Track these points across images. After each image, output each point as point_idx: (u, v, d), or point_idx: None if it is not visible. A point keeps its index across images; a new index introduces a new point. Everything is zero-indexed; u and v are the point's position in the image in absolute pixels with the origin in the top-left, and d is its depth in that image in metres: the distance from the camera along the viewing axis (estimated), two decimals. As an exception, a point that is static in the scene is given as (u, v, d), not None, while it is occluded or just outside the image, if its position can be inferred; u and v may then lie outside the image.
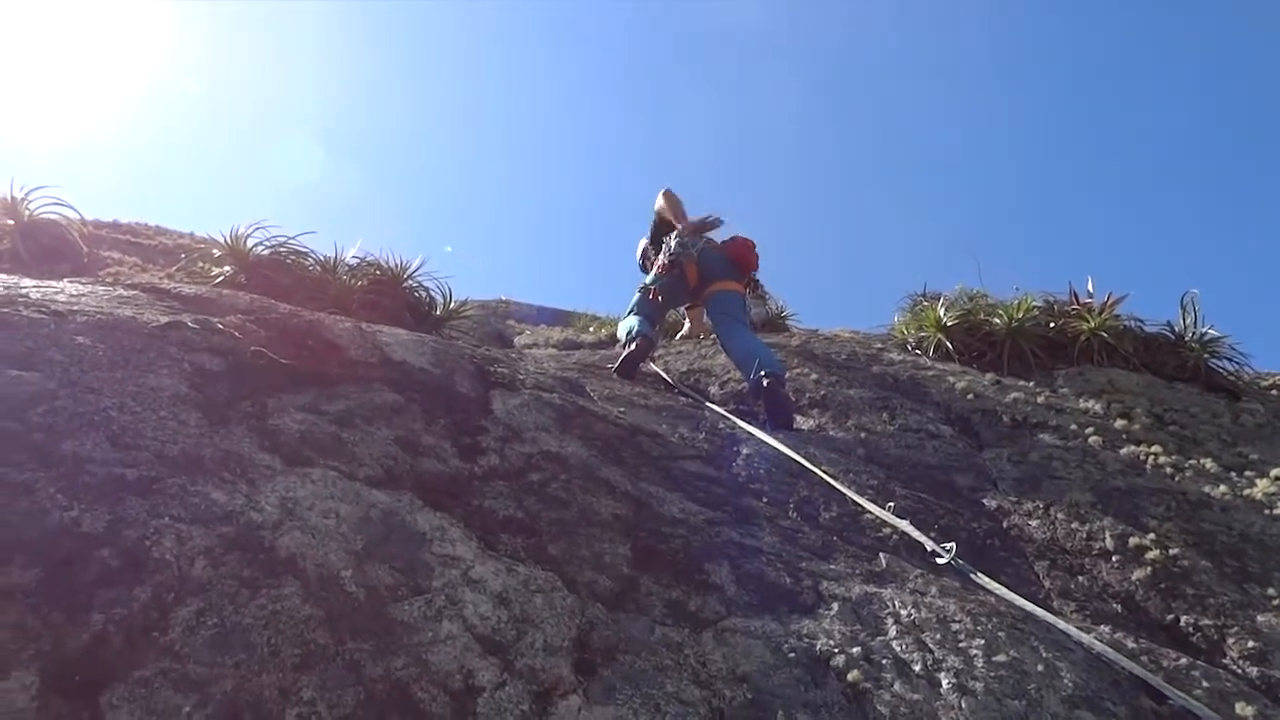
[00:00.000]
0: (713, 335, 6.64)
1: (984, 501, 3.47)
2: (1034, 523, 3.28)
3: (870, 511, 2.96)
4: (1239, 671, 2.46)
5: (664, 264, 5.27)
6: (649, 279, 5.35)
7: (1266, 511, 3.52)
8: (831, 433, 4.12)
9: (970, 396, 4.67)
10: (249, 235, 5.72)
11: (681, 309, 6.41)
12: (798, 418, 4.30)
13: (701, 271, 5.25)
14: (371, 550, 1.79)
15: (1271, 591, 2.93)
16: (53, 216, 5.39)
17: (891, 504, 3.04)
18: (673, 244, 5.29)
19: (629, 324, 4.95)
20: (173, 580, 1.49)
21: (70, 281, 3.10)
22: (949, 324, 5.61)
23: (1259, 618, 2.70)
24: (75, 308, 2.44)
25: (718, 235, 5.51)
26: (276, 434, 2.12)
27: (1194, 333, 5.46)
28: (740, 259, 5.38)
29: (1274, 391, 5.25)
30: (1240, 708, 2.17)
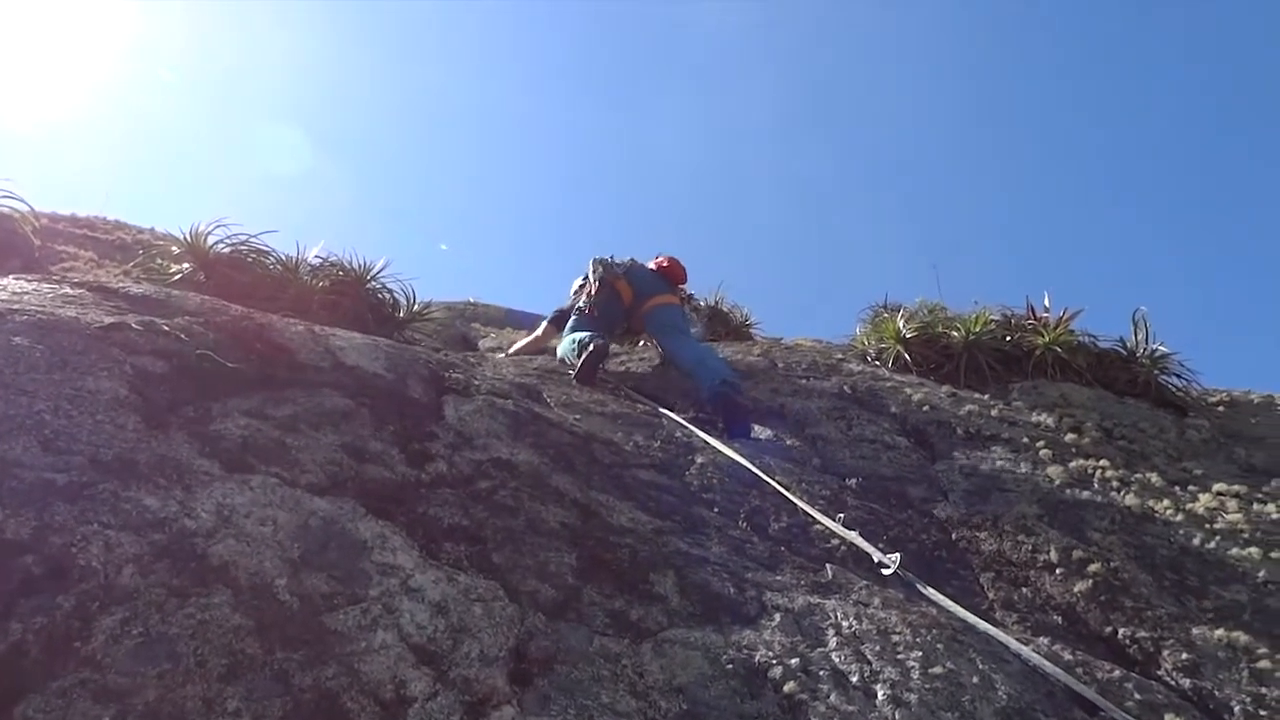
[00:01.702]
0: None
1: (935, 512, 3.52)
2: (982, 534, 3.33)
3: (820, 522, 2.98)
4: (1172, 683, 2.52)
5: (594, 286, 5.36)
6: (582, 301, 5.43)
7: (1207, 526, 3.61)
8: (788, 442, 4.15)
9: (926, 408, 4.73)
10: (209, 233, 5.65)
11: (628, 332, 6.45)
12: (756, 427, 4.33)
13: (634, 288, 5.38)
14: (309, 559, 1.78)
15: (1207, 604, 3.00)
16: (2, 210, 5.27)
17: (843, 515, 3.07)
18: (607, 268, 5.43)
19: (575, 338, 4.90)
20: (98, 588, 1.47)
21: (15, 278, 3.03)
22: (908, 336, 5.67)
23: (1194, 630, 2.77)
24: (15, 307, 2.40)
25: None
26: (218, 439, 2.10)
27: (1145, 349, 5.57)
28: (669, 272, 5.59)
29: (1220, 408, 5.38)
30: (1170, 719, 2.23)
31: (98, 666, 1.33)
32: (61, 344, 2.23)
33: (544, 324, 5.84)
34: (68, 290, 2.90)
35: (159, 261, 5.72)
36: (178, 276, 5.32)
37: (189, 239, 5.57)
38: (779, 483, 3.25)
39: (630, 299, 5.37)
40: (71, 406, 1.95)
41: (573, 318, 5.40)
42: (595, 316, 5.30)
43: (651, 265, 5.69)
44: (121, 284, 3.23)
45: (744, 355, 5.66)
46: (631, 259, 5.62)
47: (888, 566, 2.70)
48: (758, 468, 3.35)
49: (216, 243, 5.65)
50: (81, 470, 1.74)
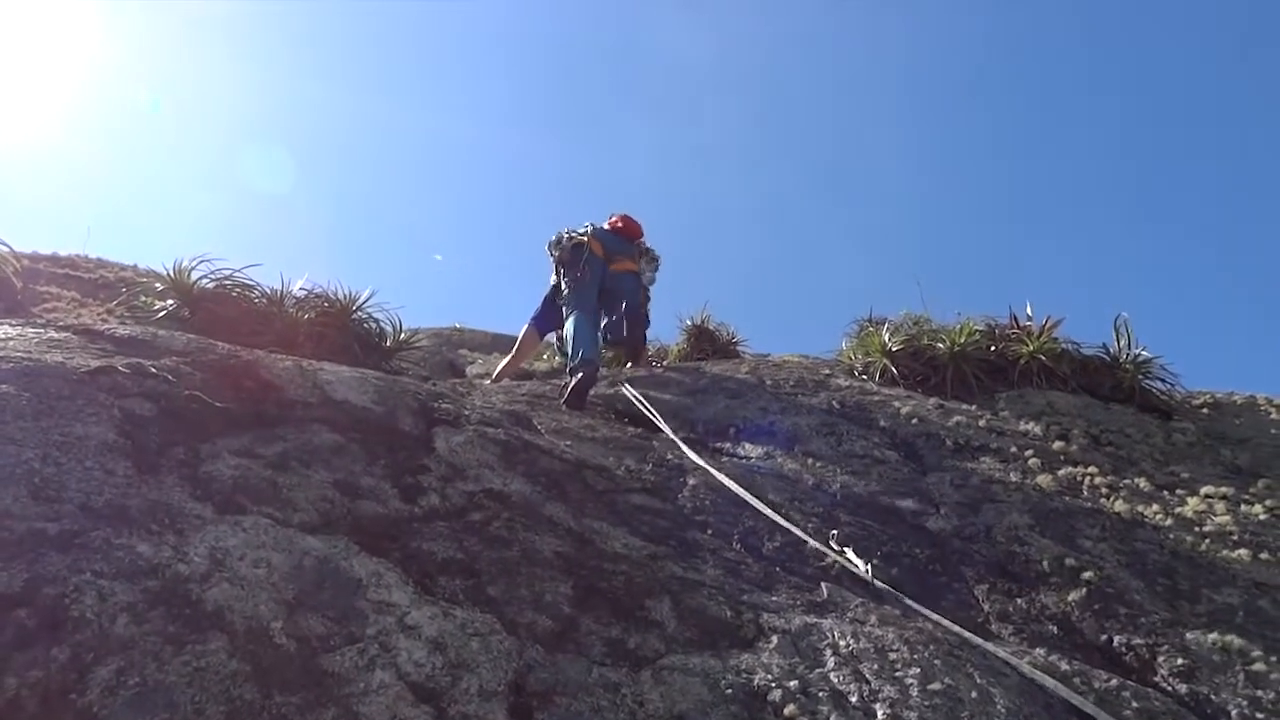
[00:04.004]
0: (664, 363, 6.74)
1: (927, 526, 3.53)
2: (975, 546, 3.34)
3: (812, 541, 2.99)
4: (1169, 689, 2.53)
5: (567, 252, 5.83)
6: (566, 275, 5.82)
7: (1197, 529, 3.64)
8: (779, 460, 4.16)
9: (915, 421, 4.75)
10: (193, 268, 5.65)
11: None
12: (747, 444, 4.35)
13: (604, 247, 5.89)
14: (304, 599, 1.77)
15: (1200, 608, 3.02)
16: (-16, 253, 5.25)
17: (835, 531, 3.08)
18: (561, 243, 5.91)
19: (573, 342, 5.09)
20: (93, 639, 1.46)
21: (-1, 323, 3.02)
22: (894, 349, 5.71)
23: (1188, 635, 2.79)
24: (0, 354, 2.39)
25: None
26: (209, 481, 2.09)
27: (1128, 354, 5.63)
28: (625, 231, 6.14)
29: (1204, 410, 5.44)
30: (1167, 726, 2.24)
31: (95, 719, 1.32)
32: (48, 390, 2.22)
33: (526, 328, 6.15)
34: (53, 334, 2.89)
35: (143, 299, 5.71)
36: (162, 314, 5.31)
37: (172, 275, 5.57)
38: (770, 502, 3.26)
39: (604, 255, 5.86)
40: (60, 454, 1.95)
41: (566, 292, 5.71)
42: (587, 280, 5.71)
43: (606, 226, 6.12)
44: (107, 325, 3.22)
45: (732, 373, 5.68)
46: (590, 224, 6.04)
47: (879, 584, 2.71)
48: (750, 487, 3.35)
49: (201, 278, 5.65)
50: (73, 518, 1.73)
